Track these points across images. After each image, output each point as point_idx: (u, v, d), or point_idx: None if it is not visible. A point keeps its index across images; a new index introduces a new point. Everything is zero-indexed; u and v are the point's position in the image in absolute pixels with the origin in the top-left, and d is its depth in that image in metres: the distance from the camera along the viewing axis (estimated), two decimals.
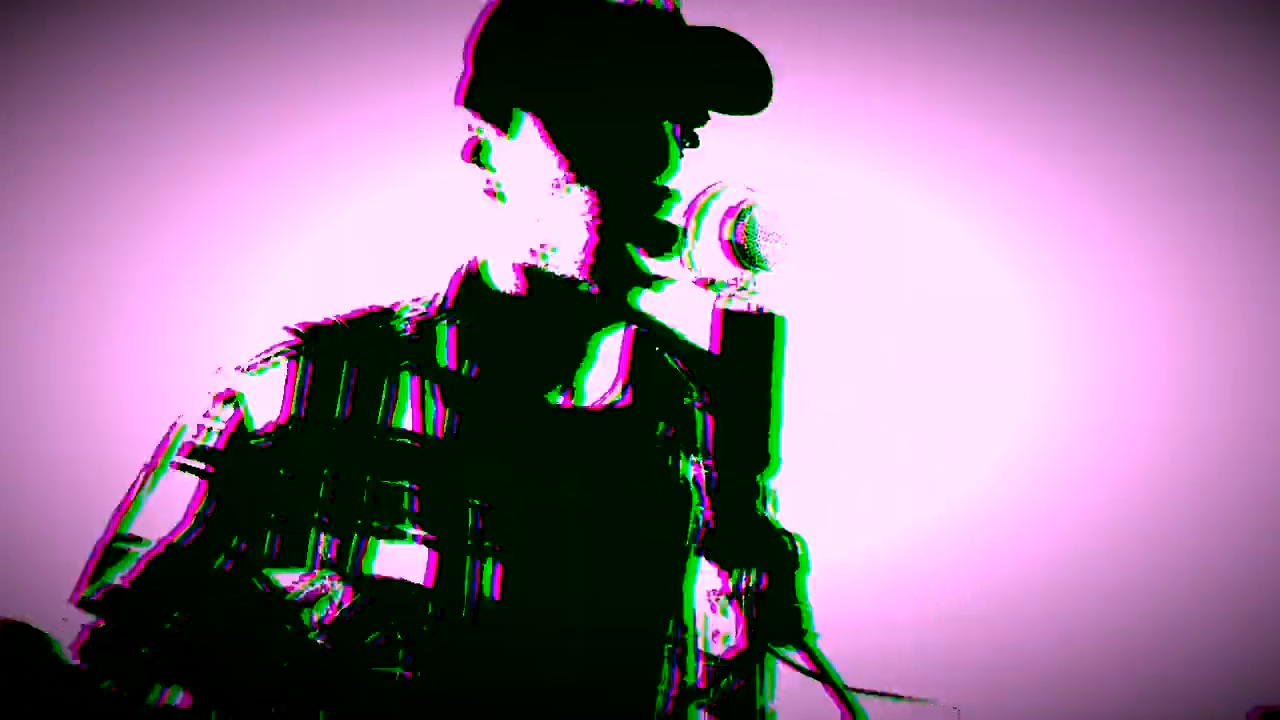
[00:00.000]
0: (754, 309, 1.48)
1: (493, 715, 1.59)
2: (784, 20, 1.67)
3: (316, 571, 1.61)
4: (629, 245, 1.62)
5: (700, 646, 1.66)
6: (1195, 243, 2.35)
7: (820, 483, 1.77)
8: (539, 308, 1.68)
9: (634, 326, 1.73)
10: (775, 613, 1.52)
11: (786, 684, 1.53)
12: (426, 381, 1.68)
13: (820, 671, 1.48)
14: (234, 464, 1.66)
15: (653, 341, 1.76)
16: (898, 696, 1.57)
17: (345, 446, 1.65)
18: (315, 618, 1.58)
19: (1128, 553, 2.27)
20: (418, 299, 1.76)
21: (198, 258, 2.49)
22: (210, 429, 1.68)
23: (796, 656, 1.48)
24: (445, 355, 1.70)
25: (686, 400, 1.76)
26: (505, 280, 1.69)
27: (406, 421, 1.66)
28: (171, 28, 2.45)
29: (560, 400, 1.70)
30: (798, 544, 1.58)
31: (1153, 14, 2.35)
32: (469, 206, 1.80)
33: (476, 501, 1.62)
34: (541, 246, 1.64)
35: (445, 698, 1.58)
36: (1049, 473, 2.23)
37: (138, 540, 1.65)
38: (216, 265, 2.49)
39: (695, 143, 1.65)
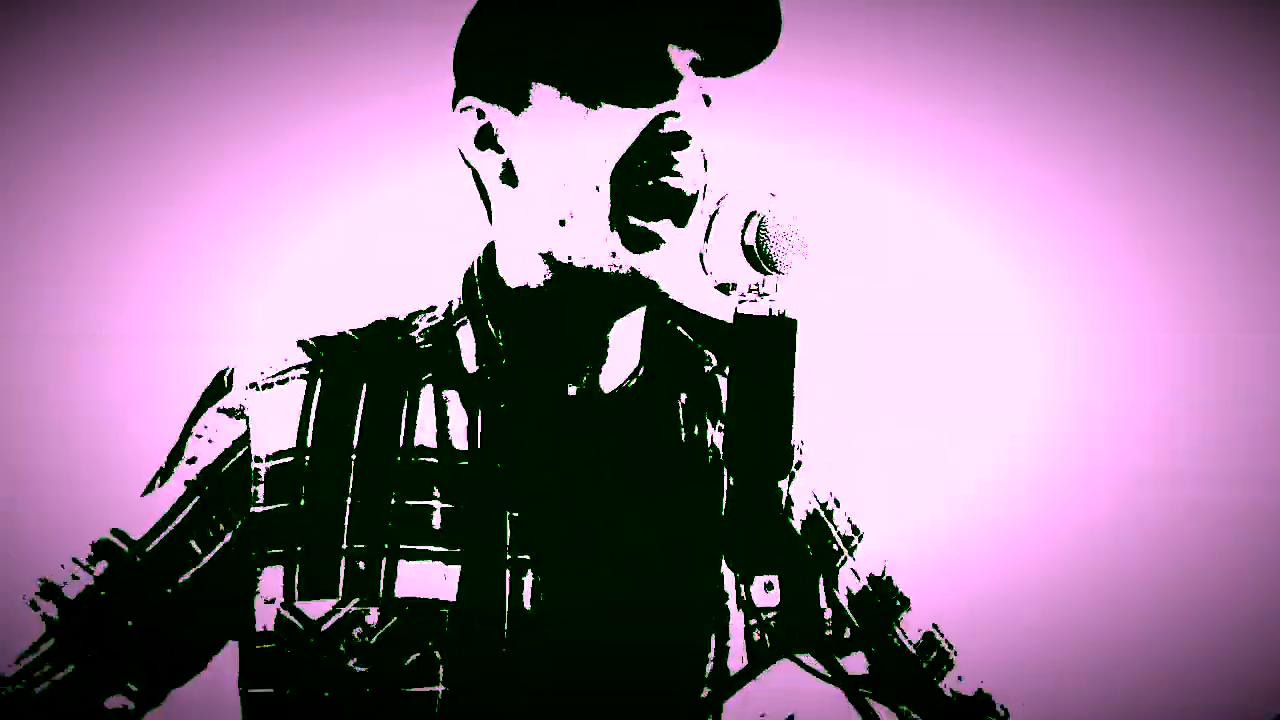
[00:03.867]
0: (771, 312, 1.47)
1: None
2: (801, 21, 1.65)
3: (346, 599, 1.58)
4: (640, 207, 1.58)
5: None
6: (1204, 245, 2.35)
7: (831, 483, 1.77)
8: (562, 295, 1.64)
9: (647, 305, 1.69)
10: (795, 618, 1.51)
11: (805, 690, 1.52)
12: (445, 391, 1.65)
13: (839, 678, 1.47)
14: (232, 484, 1.63)
15: (663, 315, 1.72)
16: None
17: (367, 472, 1.61)
18: (348, 645, 1.56)
19: (1149, 558, 2.27)
20: (433, 307, 1.72)
21: (198, 257, 2.48)
22: (209, 440, 1.65)
23: (815, 664, 1.48)
24: (464, 360, 1.67)
25: (705, 368, 1.72)
26: (523, 271, 1.65)
27: (429, 437, 1.62)
28: (173, 28, 2.45)
29: (580, 389, 1.66)
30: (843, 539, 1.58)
31: (1163, 10, 2.35)
32: (468, 206, 1.79)
33: (506, 513, 1.60)
34: (567, 218, 1.60)
35: (483, 713, 1.56)
36: (1061, 476, 2.23)
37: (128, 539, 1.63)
38: (217, 265, 2.48)
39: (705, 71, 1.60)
